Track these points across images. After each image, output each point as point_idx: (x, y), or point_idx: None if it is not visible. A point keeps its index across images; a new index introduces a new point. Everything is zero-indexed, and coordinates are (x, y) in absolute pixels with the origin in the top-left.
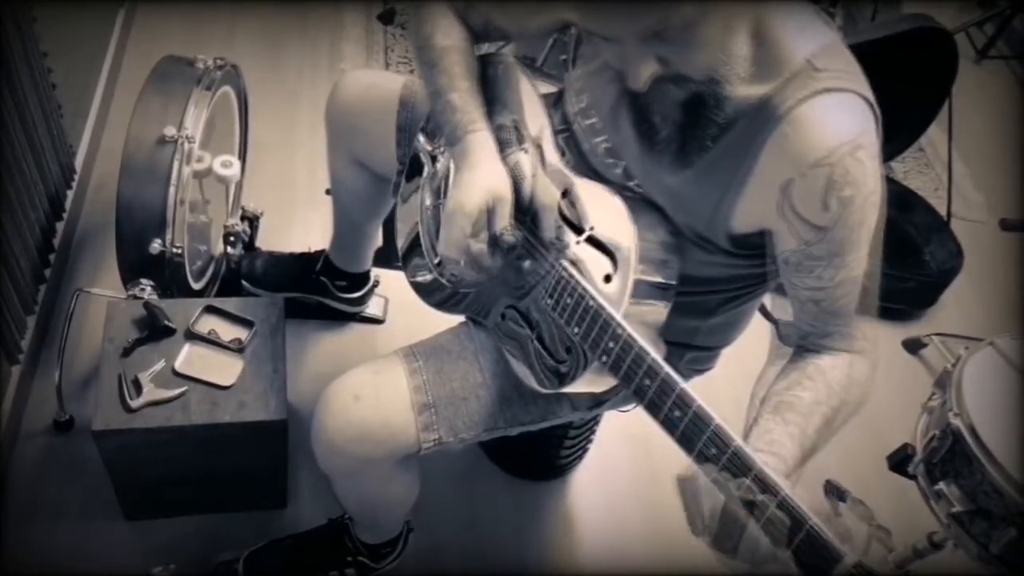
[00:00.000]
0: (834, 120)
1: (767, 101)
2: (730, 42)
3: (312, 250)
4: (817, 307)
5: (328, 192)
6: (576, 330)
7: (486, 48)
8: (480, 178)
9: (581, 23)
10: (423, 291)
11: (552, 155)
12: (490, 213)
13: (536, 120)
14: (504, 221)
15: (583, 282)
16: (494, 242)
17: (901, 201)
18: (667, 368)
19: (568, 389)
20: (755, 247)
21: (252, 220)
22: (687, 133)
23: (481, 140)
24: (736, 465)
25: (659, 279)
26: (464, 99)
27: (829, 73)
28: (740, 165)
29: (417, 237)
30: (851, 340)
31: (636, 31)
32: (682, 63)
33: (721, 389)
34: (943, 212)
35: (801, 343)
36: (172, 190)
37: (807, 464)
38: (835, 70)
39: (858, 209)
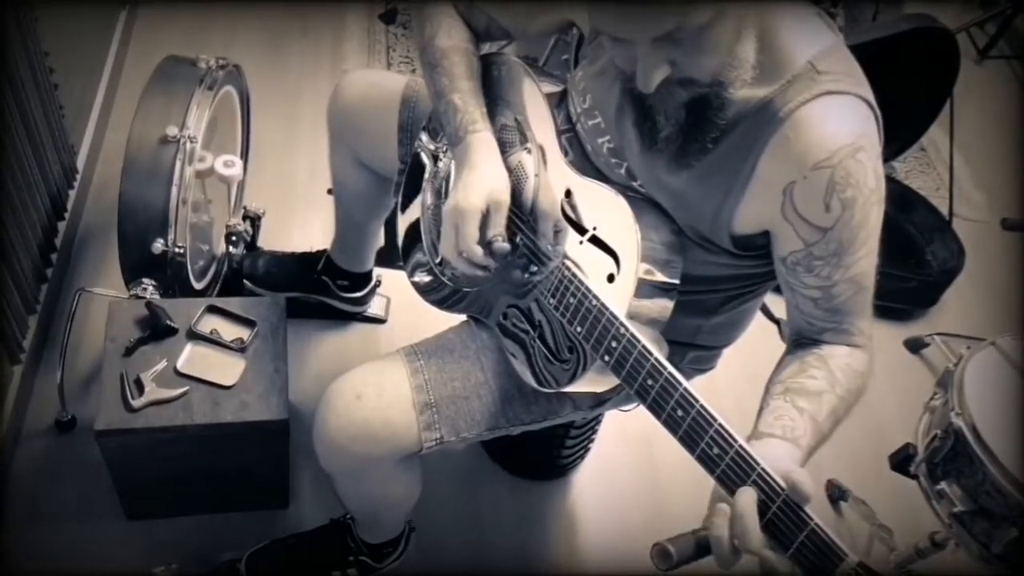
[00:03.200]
0: (835, 122)
1: (769, 103)
2: (739, 46)
3: (314, 250)
4: (815, 305)
5: (330, 192)
6: (579, 330)
7: (487, 48)
8: (480, 179)
9: (596, 24)
10: (424, 290)
11: (555, 155)
12: (486, 217)
13: (539, 120)
14: (497, 228)
15: (586, 282)
16: (488, 246)
17: (903, 201)
18: (670, 368)
19: (569, 389)
20: (758, 247)
21: (254, 220)
22: (688, 134)
23: (482, 140)
24: (739, 465)
25: (662, 279)
26: (466, 99)
27: (830, 76)
28: (742, 167)
29: (418, 236)
30: (847, 336)
31: (651, 34)
32: (691, 66)
33: (722, 389)
34: (945, 212)
35: (796, 339)
36: (174, 190)
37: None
38: (836, 73)
39: (859, 210)
